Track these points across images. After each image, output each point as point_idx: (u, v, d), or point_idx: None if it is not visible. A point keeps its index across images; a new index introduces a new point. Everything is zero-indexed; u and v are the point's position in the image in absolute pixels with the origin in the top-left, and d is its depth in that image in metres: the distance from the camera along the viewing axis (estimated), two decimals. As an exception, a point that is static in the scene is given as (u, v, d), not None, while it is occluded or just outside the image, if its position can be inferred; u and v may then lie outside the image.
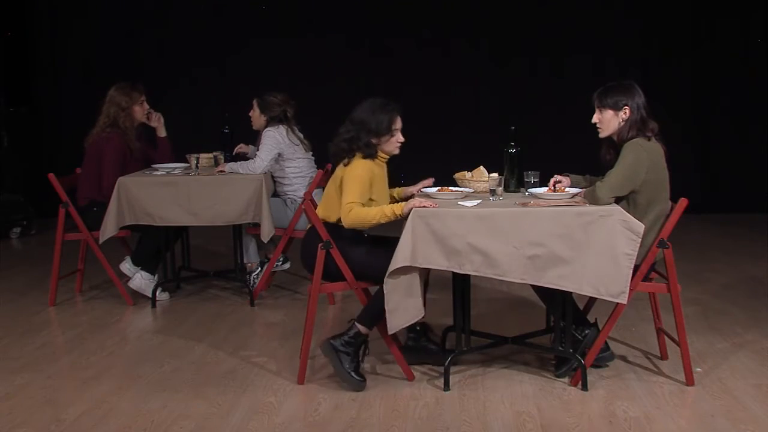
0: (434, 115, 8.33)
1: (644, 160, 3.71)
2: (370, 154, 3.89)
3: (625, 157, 3.71)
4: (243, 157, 5.54)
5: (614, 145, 3.90)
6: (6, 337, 4.65)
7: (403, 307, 3.64)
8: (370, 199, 3.84)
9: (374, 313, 3.77)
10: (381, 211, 3.72)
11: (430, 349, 4.05)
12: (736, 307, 4.99)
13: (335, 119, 9.41)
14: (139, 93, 5.38)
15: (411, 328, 4.02)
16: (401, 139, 3.98)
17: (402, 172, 8.41)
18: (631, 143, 3.74)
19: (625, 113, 3.80)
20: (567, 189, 3.88)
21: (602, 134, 3.89)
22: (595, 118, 3.88)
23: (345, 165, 3.89)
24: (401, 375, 3.92)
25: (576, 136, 4.12)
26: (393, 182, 4.14)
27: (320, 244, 3.80)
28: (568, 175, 4.04)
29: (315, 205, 5.17)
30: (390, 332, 3.68)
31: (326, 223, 3.87)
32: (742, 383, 3.76)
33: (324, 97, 8.11)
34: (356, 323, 3.81)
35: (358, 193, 3.77)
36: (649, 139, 3.77)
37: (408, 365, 3.92)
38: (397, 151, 4.00)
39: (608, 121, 3.83)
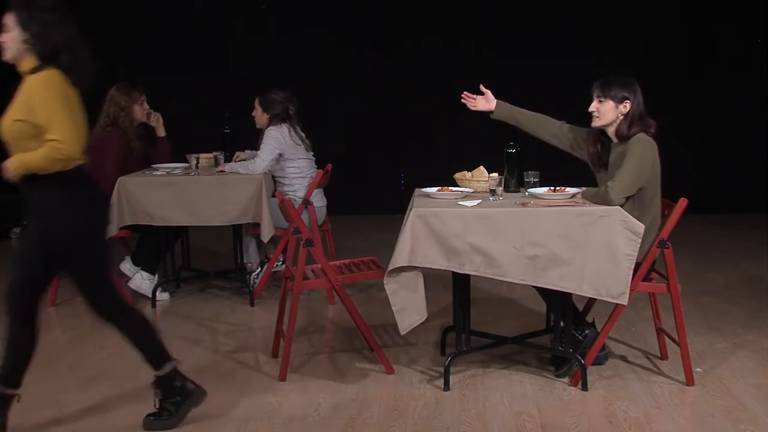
0: (434, 115, 8.33)
1: (650, 155, 3.72)
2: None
3: (633, 154, 3.70)
4: None
5: (602, 139, 3.90)
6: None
7: (410, 306, 3.64)
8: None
9: (152, 350, 3.34)
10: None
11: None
12: (736, 307, 4.99)
13: (335, 119, 9.43)
14: (139, 93, 5.39)
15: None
16: None
17: (402, 172, 8.49)
18: (637, 139, 3.74)
19: (624, 107, 3.80)
20: (566, 189, 3.89)
21: (596, 123, 3.88)
22: (593, 107, 3.87)
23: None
24: (401, 375, 3.92)
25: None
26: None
27: (302, 242, 3.82)
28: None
29: (313, 206, 5.22)
30: (402, 333, 3.67)
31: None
32: (742, 383, 3.76)
33: (324, 97, 8.12)
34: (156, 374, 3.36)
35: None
36: (650, 135, 3.78)
37: (389, 362, 3.96)
38: None
39: (607, 111, 3.83)
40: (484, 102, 4.15)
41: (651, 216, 3.72)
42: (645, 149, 3.71)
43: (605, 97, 3.82)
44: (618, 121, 3.81)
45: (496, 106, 4.15)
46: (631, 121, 3.79)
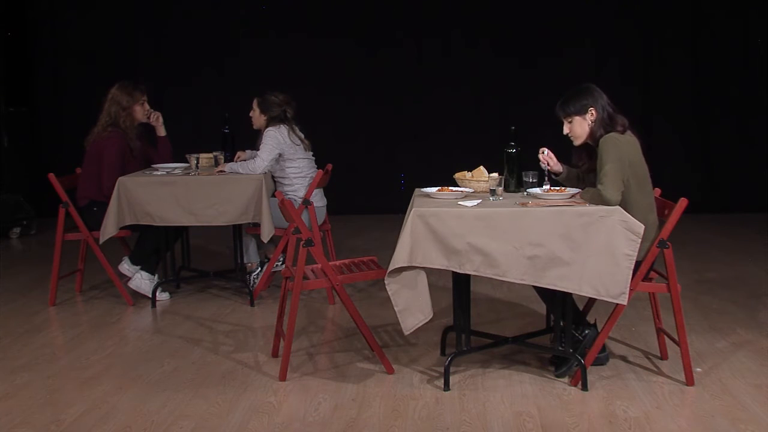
0: (434, 115, 8.34)
1: (624, 150, 3.72)
2: None
3: (607, 153, 3.70)
4: None
5: (588, 150, 3.91)
6: (6, 337, 4.65)
7: (414, 306, 3.64)
8: None
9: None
10: None
11: None
12: (736, 307, 4.99)
13: (335, 119, 9.42)
14: (141, 93, 5.38)
15: None
16: None
17: (402, 172, 8.49)
18: (606, 138, 3.75)
19: (591, 115, 3.82)
20: (566, 189, 3.89)
21: (577, 142, 3.92)
22: (565, 130, 3.91)
23: None
24: (401, 375, 3.92)
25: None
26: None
27: (302, 242, 3.82)
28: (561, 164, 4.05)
29: (313, 206, 5.22)
30: (406, 333, 3.68)
31: None
32: (742, 383, 3.76)
33: (324, 97, 8.12)
34: None
35: None
36: (622, 133, 3.78)
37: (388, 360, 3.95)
38: None
39: (578, 128, 3.86)
40: (554, 165, 4.05)
41: (641, 215, 3.70)
42: (615, 145, 3.71)
43: (569, 116, 3.86)
44: (591, 129, 3.82)
45: (564, 170, 4.07)
46: (601, 124, 3.80)
